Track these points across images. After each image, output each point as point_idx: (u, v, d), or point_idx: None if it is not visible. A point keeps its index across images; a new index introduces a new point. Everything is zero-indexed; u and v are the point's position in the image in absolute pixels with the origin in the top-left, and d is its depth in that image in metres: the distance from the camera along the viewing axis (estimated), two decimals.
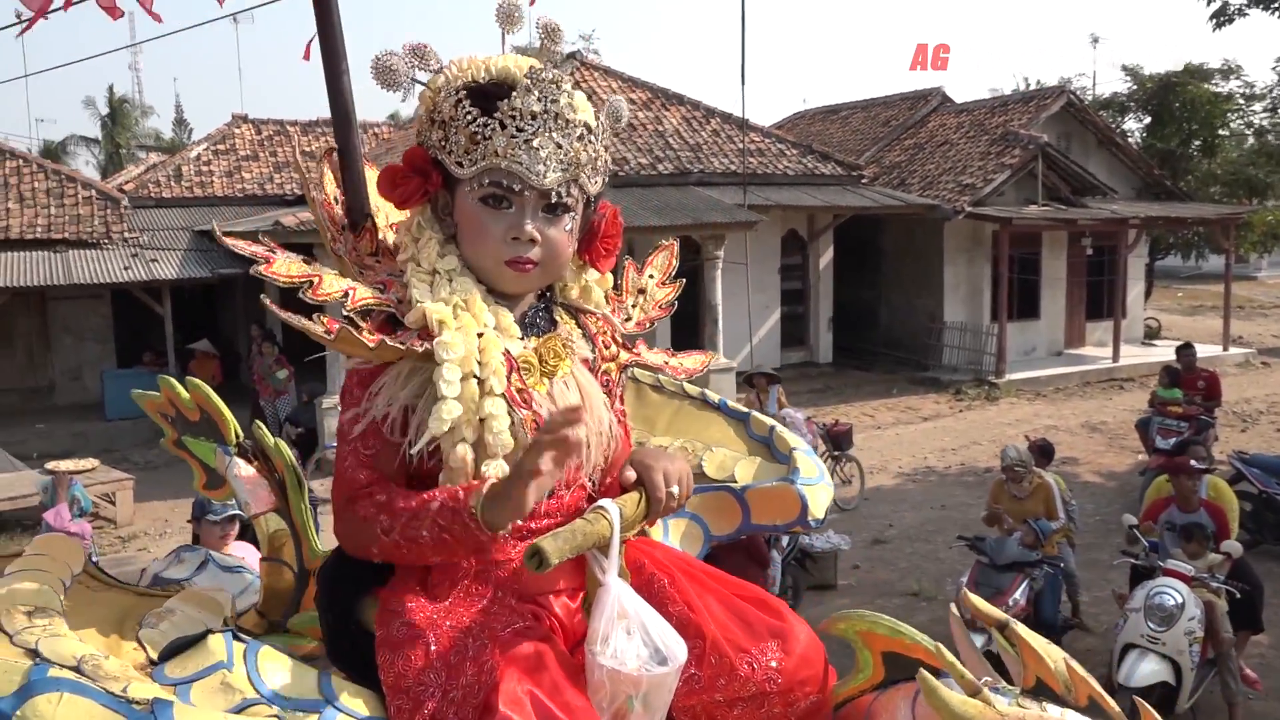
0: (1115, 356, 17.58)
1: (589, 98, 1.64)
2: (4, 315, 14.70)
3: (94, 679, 1.35)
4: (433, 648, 1.47)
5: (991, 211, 16.52)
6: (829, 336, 17.90)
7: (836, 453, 10.28)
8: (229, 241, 1.53)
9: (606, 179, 1.66)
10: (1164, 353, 16.63)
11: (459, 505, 1.46)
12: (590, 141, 1.58)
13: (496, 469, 1.51)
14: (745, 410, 2.19)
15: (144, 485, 11.16)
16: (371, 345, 1.48)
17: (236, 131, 20.42)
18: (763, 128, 19.17)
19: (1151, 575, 5.87)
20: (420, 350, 1.50)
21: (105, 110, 38.51)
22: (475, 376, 1.51)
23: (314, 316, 1.48)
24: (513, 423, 1.53)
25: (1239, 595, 5.78)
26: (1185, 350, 11.05)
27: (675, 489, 1.56)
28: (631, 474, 1.57)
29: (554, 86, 1.54)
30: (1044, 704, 1.36)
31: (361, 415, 1.53)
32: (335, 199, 1.72)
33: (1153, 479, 8.01)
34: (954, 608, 1.62)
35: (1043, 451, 7.85)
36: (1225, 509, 6.61)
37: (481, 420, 1.51)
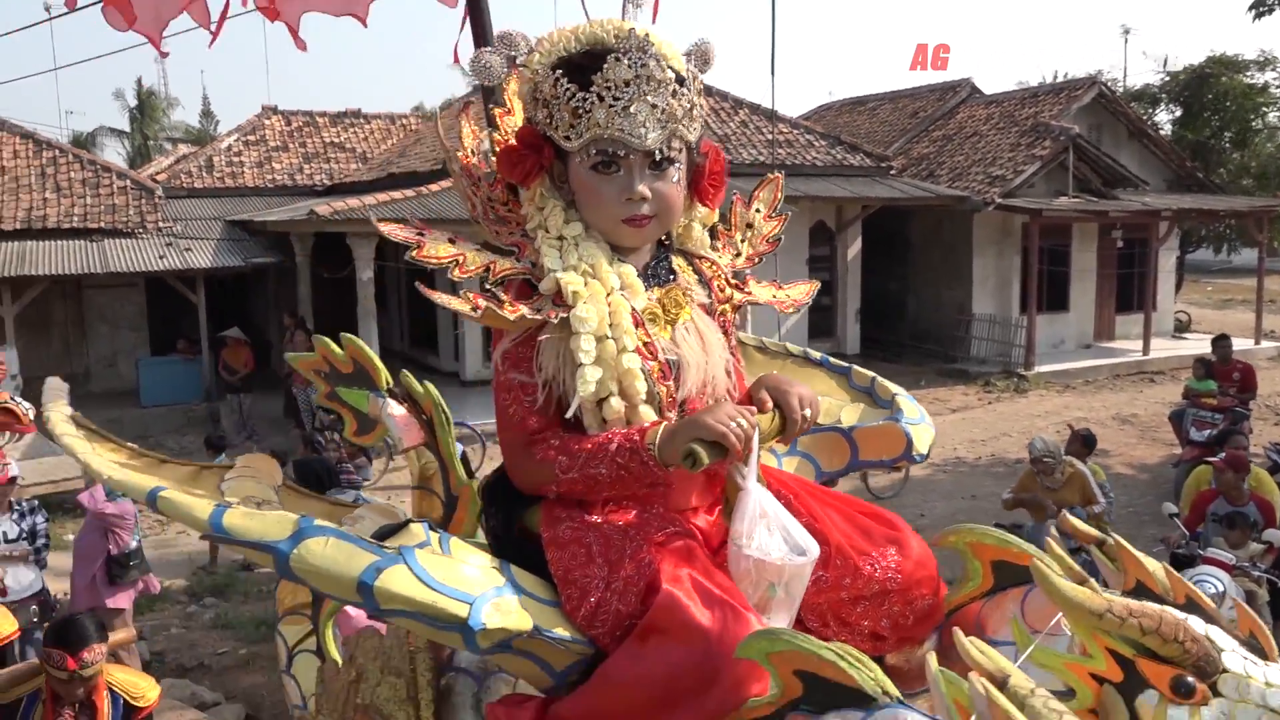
0: (1146, 349, 17.45)
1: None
2: (41, 304, 14.89)
3: None
4: (594, 547, 1.64)
5: (1021, 203, 16.42)
6: (857, 328, 17.87)
7: None
8: (384, 229, 1.68)
9: (704, 122, 1.77)
10: (1195, 346, 16.53)
11: (637, 445, 1.62)
12: (683, 93, 1.69)
13: (648, 414, 1.68)
14: (846, 365, 2.40)
15: None
16: (512, 318, 1.64)
17: (266, 123, 20.61)
18: (791, 119, 19.15)
19: (1191, 563, 5.86)
20: (556, 322, 1.65)
21: (134, 102, 38.86)
22: (609, 338, 1.66)
23: (460, 293, 1.64)
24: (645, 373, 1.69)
25: None
26: (1221, 342, 10.98)
27: (808, 411, 1.71)
28: (766, 396, 1.71)
29: (641, 52, 1.64)
30: (1145, 602, 1.43)
31: (525, 376, 1.69)
32: (472, 152, 1.85)
33: (1187, 471, 7.98)
34: (1052, 528, 1.71)
35: (1085, 441, 7.79)
36: (1271, 500, 6.58)
37: (621, 378, 1.67)
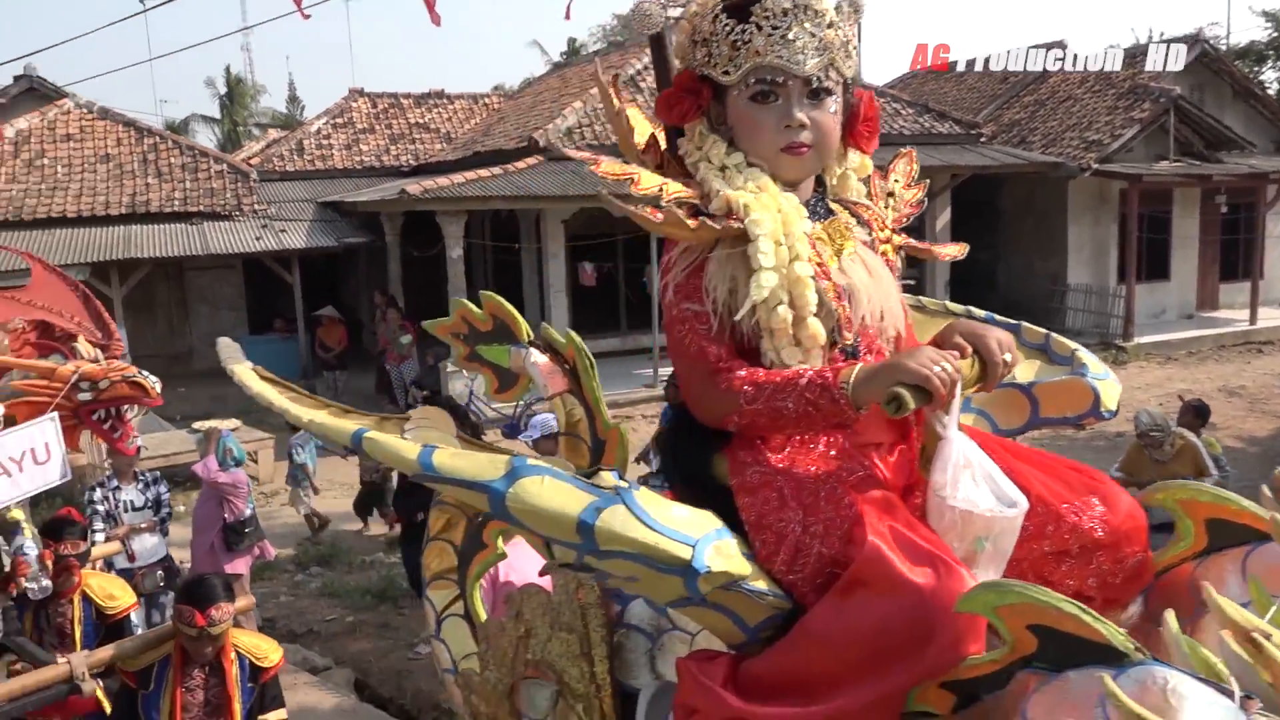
0: (1253, 319, 16.76)
1: None
2: (146, 285, 15.41)
3: None
4: (786, 490, 1.61)
5: (1119, 168, 15.86)
6: (946, 298, 17.49)
7: None
8: (570, 151, 1.83)
9: (858, 61, 1.80)
10: None
11: (829, 383, 1.56)
12: (839, 27, 1.73)
13: (815, 327, 1.65)
14: (1015, 322, 2.30)
15: (283, 445, 11.63)
16: (694, 226, 1.65)
17: (353, 105, 20.94)
18: (877, 87, 18.76)
19: None
20: (736, 228, 1.65)
21: (223, 90, 39.84)
22: (783, 245, 1.66)
23: (637, 208, 1.65)
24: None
25: None
26: None
27: (1008, 356, 1.65)
28: (963, 341, 1.66)
29: None
30: None
31: (697, 305, 1.69)
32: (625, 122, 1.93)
33: None
34: (1265, 489, 1.64)
35: (1197, 413, 7.51)
36: None
37: (791, 287, 1.66)
